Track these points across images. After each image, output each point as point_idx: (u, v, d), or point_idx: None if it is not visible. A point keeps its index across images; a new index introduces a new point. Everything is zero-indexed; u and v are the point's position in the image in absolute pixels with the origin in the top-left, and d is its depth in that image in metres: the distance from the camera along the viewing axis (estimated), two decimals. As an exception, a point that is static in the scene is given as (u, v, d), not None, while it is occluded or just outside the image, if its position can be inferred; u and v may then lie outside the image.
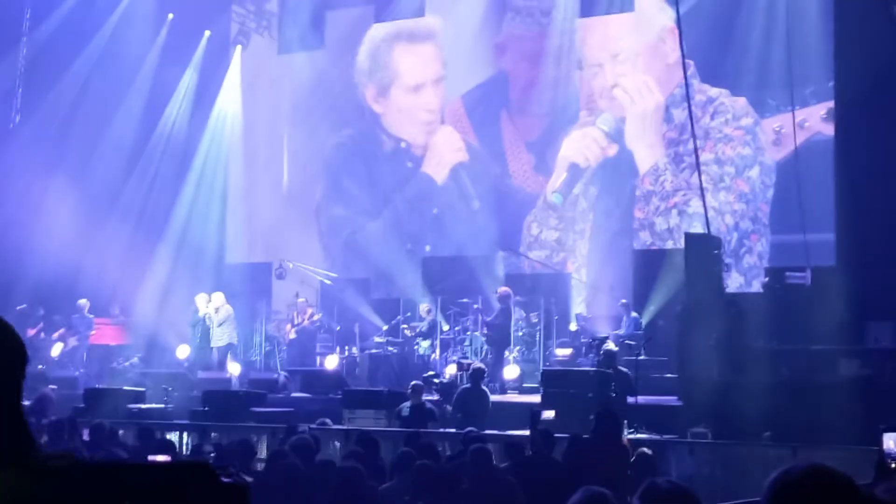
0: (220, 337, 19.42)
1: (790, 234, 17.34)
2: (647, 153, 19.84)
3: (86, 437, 11.06)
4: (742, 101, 18.85)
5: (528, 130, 21.18)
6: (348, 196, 22.68)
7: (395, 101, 22.26)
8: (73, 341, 20.68)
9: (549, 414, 11.09)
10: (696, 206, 18.84)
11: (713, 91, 18.87)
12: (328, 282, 21.64)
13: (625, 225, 19.97)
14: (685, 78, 14.40)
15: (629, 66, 20.06)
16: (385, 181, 22.29)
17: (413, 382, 14.26)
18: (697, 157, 14.54)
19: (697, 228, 17.85)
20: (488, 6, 21.60)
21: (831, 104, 17.73)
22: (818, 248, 14.71)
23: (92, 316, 20.98)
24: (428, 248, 21.35)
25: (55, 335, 20.80)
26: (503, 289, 18.33)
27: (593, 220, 20.31)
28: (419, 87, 21.98)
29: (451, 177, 21.59)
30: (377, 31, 22.61)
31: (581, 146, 20.42)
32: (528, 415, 10.76)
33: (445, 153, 21.73)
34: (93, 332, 20.89)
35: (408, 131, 22.19)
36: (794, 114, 16.78)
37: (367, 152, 22.62)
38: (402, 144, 22.27)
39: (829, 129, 17.60)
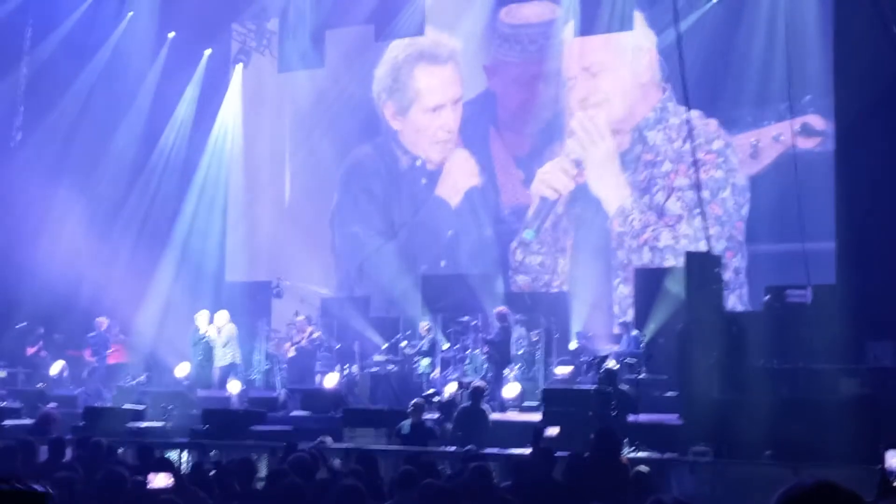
0: (223, 356, 19.39)
1: (768, 245, 17.53)
2: (613, 195, 20.13)
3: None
4: (713, 124, 19.02)
5: (518, 146, 21.43)
6: (358, 214, 22.90)
7: (413, 120, 22.46)
8: (92, 361, 20.61)
9: (552, 431, 11.03)
10: (665, 239, 19.40)
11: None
12: (311, 291, 21.65)
13: (605, 242, 20.17)
14: (686, 101, 14.40)
15: (606, 83, 20.33)
16: (399, 199, 22.52)
17: (413, 401, 14.23)
18: (699, 181, 14.53)
19: (670, 261, 18.62)
20: (485, 28, 21.82)
21: (806, 119, 18.07)
22: (797, 258, 14.79)
23: (108, 334, 20.94)
24: (443, 262, 21.64)
25: (83, 355, 20.75)
26: (500, 308, 18.34)
27: (574, 238, 20.53)
28: (438, 108, 22.21)
29: (465, 201, 21.75)
30: (397, 51, 22.74)
31: (550, 178, 20.73)
32: (531, 432, 10.66)
33: (460, 178, 21.91)
34: (110, 350, 20.82)
35: (424, 149, 22.38)
36: (791, 123, 16.91)
37: (381, 169, 22.85)
38: (418, 162, 22.45)
39: (803, 143, 17.84)
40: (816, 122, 18.00)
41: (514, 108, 21.42)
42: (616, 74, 20.23)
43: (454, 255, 21.56)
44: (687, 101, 14.47)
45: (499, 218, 21.41)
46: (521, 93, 21.32)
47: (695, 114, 18.65)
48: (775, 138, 17.99)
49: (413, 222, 22.24)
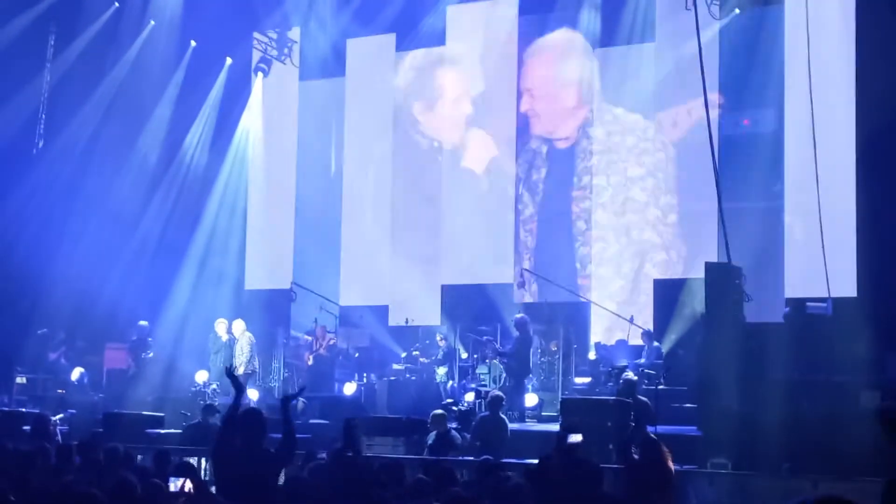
0: (242, 364, 19.40)
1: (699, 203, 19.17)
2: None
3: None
4: (640, 118, 20.69)
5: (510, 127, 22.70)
6: (378, 218, 23.24)
7: (439, 111, 23.42)
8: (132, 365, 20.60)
9: (576, 437, 10.97)
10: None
11: (617, 110, 21.03)
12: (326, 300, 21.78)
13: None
14: (706, 109, 14.37)
15: (544, 105, 22.10)
16: (424, 174, 23.24)
17: (434, 412, 14.20)
18: (719, 186, 14.48)
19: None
20: (498, 35, 22.49)
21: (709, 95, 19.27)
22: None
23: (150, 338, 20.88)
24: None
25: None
26: (520, 315, 18.28)
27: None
28: (459, 97, 23.23)
29: (488, 169, 22.76)
30: (416, 60, 23.44)
31: None
32: (555, 437, 10.55)
33: (482, 151, 22.82)
34: (149, 354, 20.71)
35: (447, 132, 23.30)
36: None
37: (406, 151, 23.40)
38: (435, 143, 23.35)
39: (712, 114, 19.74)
40: (716, 97, 19.20)
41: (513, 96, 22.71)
42: (554, 102, 21.98)
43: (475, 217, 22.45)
44: (707, 113, 14.42)
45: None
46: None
47: (620, 111, 20.85)
48: (688, 112, 20.03)
49: (447, 190, 23.04)
